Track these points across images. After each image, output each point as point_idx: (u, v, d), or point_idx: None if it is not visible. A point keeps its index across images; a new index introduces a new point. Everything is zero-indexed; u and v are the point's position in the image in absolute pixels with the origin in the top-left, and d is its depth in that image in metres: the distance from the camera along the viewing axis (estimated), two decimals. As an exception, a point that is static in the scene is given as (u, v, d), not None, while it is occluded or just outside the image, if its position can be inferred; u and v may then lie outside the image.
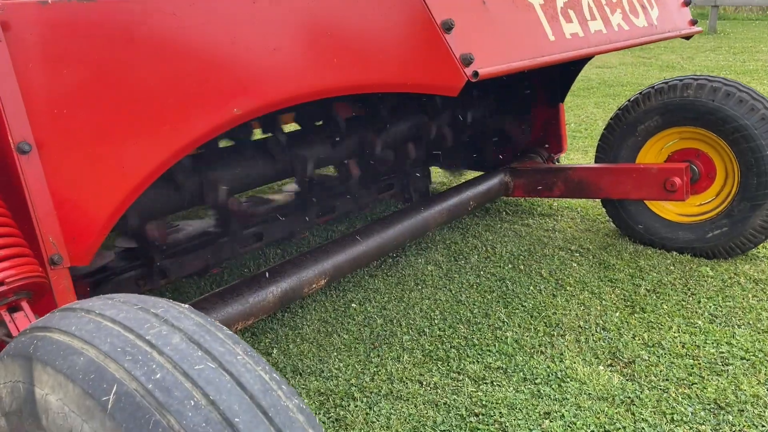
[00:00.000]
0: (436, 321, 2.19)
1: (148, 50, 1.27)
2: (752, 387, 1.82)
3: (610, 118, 2.79)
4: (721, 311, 2.22)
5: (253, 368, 0.74)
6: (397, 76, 1.20)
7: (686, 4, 2.30)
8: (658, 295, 2.33)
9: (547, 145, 3.15)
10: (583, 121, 4.84)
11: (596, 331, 2.11)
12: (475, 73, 1.18)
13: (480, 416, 1.71)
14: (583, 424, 1.67)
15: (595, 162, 2.85)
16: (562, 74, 2.95)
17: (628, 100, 2.72)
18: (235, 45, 1.24)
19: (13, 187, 1.33)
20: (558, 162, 3.21)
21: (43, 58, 1.30)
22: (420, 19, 1.16)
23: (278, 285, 1.96)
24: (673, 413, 1.72)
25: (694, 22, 2.28)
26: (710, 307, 2.25)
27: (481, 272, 2.54)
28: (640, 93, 2.67)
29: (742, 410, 1.73)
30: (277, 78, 1.22)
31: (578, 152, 4.07)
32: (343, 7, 1.20)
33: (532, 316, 2.21)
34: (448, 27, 1.17)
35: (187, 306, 0.84)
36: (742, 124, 2.42)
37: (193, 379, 0.70)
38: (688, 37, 2.31)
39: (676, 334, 2.08)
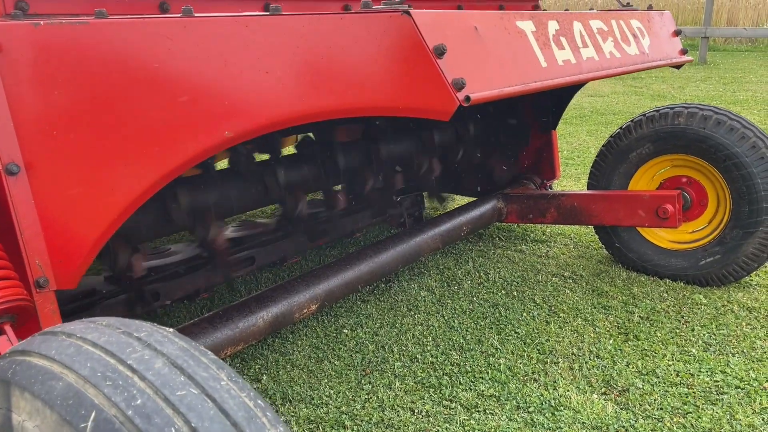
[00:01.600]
0: (428, 347, 2.16)
1: (139, 73, 1.27)
2: (747, 417, 1.80)
3: (602, 146, 2.80)
4: (715, 339, 2.20)
5: (238, 394, 0.72)
6: (389, 101, 1.20)
7: (677, 34, 2.32)
8: (651, 322, 2.32)
9: (540, 172, 3.16)
10: (576, 148, 4.86)
11: (590, 359, 2.09)
12: (467, 98, 1.19)
13: (472, 445, 1.68)
14: (576, 454, 1.64)
15: (588, 189, 2.85)
16: (554, 102, 2.97)
17: (620, 128, 2.73)
18: (227, 68, 1.24)
19: (2, 211, 1.32)
20: (551, 188, 3.22)
21: (34, 79, 1.29)
22: (412, 44, 1.16)
23: (269, 310, 1.93)
24: (668, 443, 1.69)
25: (684, 52, 2.30)
26: (704, 335, 2.23)
27: (474, 298, 2.52)
28: (632, 121, 2.69)
29: (738, 440, 1.71)
30: (269, 101, 1.22)
31: (571, 179, 4.08)
32: (336, 32, 1.20)
33: (525, 343, 2.18)
34: (440, 52, 1.17)
35: (171, 330, 0.82)
36: (732, 152, 2.43)
37: (175, 405, 0.68)
38: (678, 66, 2.34)
39: (670, 363, 2.06)
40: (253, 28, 1.20)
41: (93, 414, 0.67)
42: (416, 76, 1.18)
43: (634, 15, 2.05)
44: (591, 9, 2.69)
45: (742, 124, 2.46)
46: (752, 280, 2.64)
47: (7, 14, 1.33)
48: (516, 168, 3.17)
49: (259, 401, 0.74)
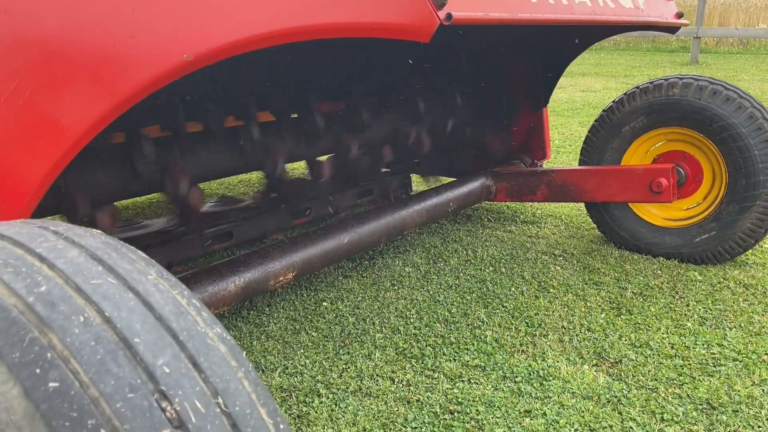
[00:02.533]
0: (411, 320, 2.06)
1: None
2: (746, 388, 1.70)
3: (595, 120, 2.71)
4: (711, 314, 2.11)
5: (167, 290, 0.61)
6: (364, 16, 1.10)
7: (671, -2, 2.24)
8: (645, 297, 2.22)
9: (530, 152, 3.07)
10: (567, 138, 4.78)
11: (580, 332, 1.98)
12: (449, 16, 1.09)
13: (455, 413, 1.57)
14: (566, 423, 1.54)
15: (580, 163, 2.76)
16: (544, 76, 2.88)
17: (613, 101, 2.64)
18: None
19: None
20: (541, 167, 3.12)
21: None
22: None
23: (241, 275, 1.82)
24: (663, 413, 1.59)
25: (680, 15, 2.21)
26: (700, 310, 2.13)
27: (461, 274, 2.41)
28: (625, 93, 2.61)
29: (737, 411, 1.61)
30: (231, 17, 1.11)
31: (562, 165, 3.99)
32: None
33: (513, 317, 2.08)
34: (418, -35, 1.07)
35: (100, 231, 0.71)
36: (729, 123, 2.35)
37: (87, 293, 0.57)
38: (673, 31, 2.25)
39: (664, 336, 1.96)
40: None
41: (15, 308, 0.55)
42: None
43: (628, -30, 1.96)
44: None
45: (739, 94, 2.37)
46: (748, 259, 2.55)
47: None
48: (506, 147, 3.07)
49: (194, 301, 0.63)
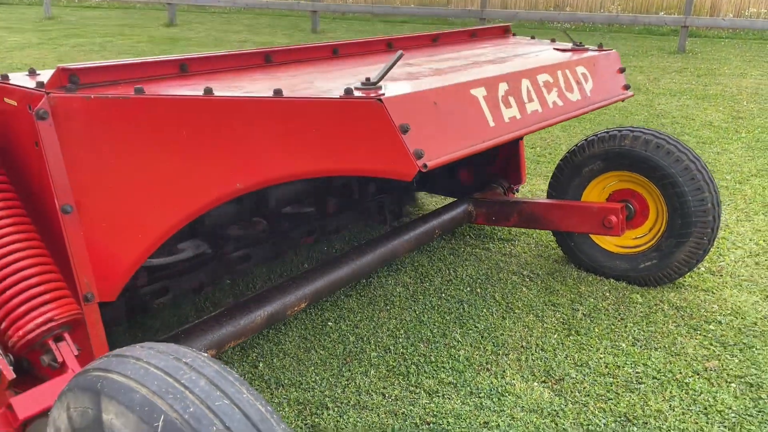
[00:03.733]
0: (400, 340, 2.55)
1: (168, 137, 1.61)
2: (658, 403, 2.20)
3: (560, 160, 3.16)
4: (643, 335, 2.60)
5: (254, 403, 1.09)
6: (364, 165, 1.54)
7: (621, 71, 2.67)
8: (592, 319, 2.72)
9: (507, 177, 3.52)
10: (549, 144, 5.22)
11: (535, 351, 2.48)
12: (425, 165, 1.53)
13: (431, 424, 2.08)
14: (514, 433, 2.04)
15: (548, 197, 3.22)
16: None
17: (576, 146, 3.09)
18: (237, 137, 1.58)
19: (56, 241, 1.67)
20: (518, 192, 3.58)
21: (84, 139, 1.63)
22: (383, 124, 1.50)
23: (264, 309, 2.30)
24: (589, 424, 2.10)
25: (627, 87, 2.64)
26: (635, 331, 2.63)
27: (443, 294, 2.90)
28: (586, 140, 3.05)
29: (646, 423, 2.11)
30: (270, 163, 1.56)
31: (540, 177, 4.44)
32: (323, 112, 1.54)
33: (482, 337, 2.57)
34: (404, 130, 1.51)
35: (206, 355, 1.19)
36: (668, 173, 2.80)
37: (215, 411, 1.04)
38: (623, 100, 2.68)
39: (602, 356, 2.46)
40: (260, 108, 1.54)
41: (162, 417, 1.03)
42: (386, 148, 1.53)
43: (580, 61, 2.39)
44: (553, 39, 3.03)
45: (678, 148, 2.82)
46: (684, 281, 3.04)
47: (62, 86, 1.65)
48: (486, 174, 3.52)
49: (268, 407, 1.11)
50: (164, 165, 1.63)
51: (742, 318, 2.75)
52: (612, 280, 3.03)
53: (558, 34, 11.37)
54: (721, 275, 3.12)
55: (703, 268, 3.17)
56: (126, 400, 1.07)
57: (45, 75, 1.83)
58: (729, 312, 2.79)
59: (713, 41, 11.36)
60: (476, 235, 3.57)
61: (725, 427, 2.11)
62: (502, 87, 1.92)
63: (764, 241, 3.51)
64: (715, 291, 2.97)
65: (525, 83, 2.02)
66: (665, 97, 6.94)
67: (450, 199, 3.67)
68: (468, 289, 2.96)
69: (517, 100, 1.95)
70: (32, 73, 1.89)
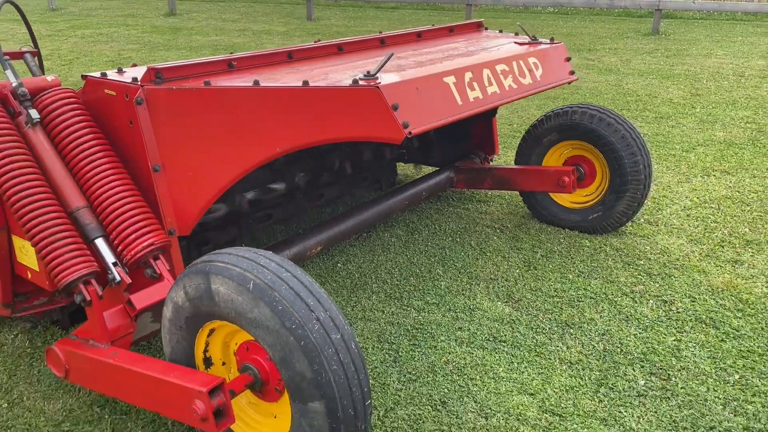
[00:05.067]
0: (395, 275, 3.24)
1: (226, 116, 2.27)
2: (591, 314, 2.90)
3: (525, 133, 3.84)
4: (587, 269, 3.30)
5: (303, 276, 1.78)
6: (367, 133, 2.20)
7: (568, 59, 3.33)
8: (547, 258, 3.41)
9: (483, 149, 4.19)
10: (525, 122, 5.89)
11: (500, 281, 3.17)
12: (410, 132, 2.20)
13: (419, 329, 2.77)
14: (481, 333, 2.74)
15: (515, 164, 3.90)
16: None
17: (536, 120, 3.76)
18: (276, 114, 2.24)
19: (149, 192, 2.34)
20: (492, 162, 4.26)
21: (167, 118, 2.30)
22: (380, 104, 2.16)
23: (291, 250, 2.98)
24: (537, 328, 2.79)
25: (572, 73, 3.31)
26: (580, 266, 3.33)
27: (429, 243, 3.59)
28: (544, 116, 3.72)
29: (581, 327, 2.81)
30: (297, 134, 2.23)
31: (514, 150, 5.10)
32: (336, 97, 2.20)
33: (459, 272, 3.26)
34: (395, 108, 2.17)
35: (270, 252, 1.87)
36: (609, 141, 3.48)
37: (282, 279, 1.73)
38: (570, 82, 3.34)
39: (552, 283, 3.16)
40: (294, 94, 2.21)
41: (251, 282, 1.72)
42: (382, 120, 2.19)
43: (532, 53, 3.05)
44: (517, 33, 3.62)
45: (617, 120, 3.49)
46: (626, 230, 3.73)
47: (151, 80, 2.31)
48: (467, 144, 4.20)
49: (311, 279, 1.79)
50: (224, 136, 2.30)
51: (667, 256, 3.45)
52: (567, 230, 3.72)
53: (544, 16, 11.97)
54: (657, 225, 3.82)
55: (642, 220, 3.87)
56: (228, 274, 1.75)
57: (131, 72, 2.49)
58: (658, 252, 3.49)
59: (688, 22, 11.99)
60: (458, 198, 4.25)
61: (640, 328, 2.81)
62: (468, 75, 2.58)
63: (698, 198, 4.20)
64: (650, 237, 3.67)
65: (486, 72, 2.69)
66: (633, 77, 7.61)
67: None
68: (449, 239, 3.65)
69: (480, 85, 2.62)
70: (120, 71, 2.54)
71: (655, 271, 3.29)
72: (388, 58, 2.25)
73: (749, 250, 3.51)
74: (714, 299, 3.03)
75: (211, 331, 1.93)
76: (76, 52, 9.39)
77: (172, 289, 1.92)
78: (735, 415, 2.29)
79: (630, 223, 3.78)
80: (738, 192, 4.29)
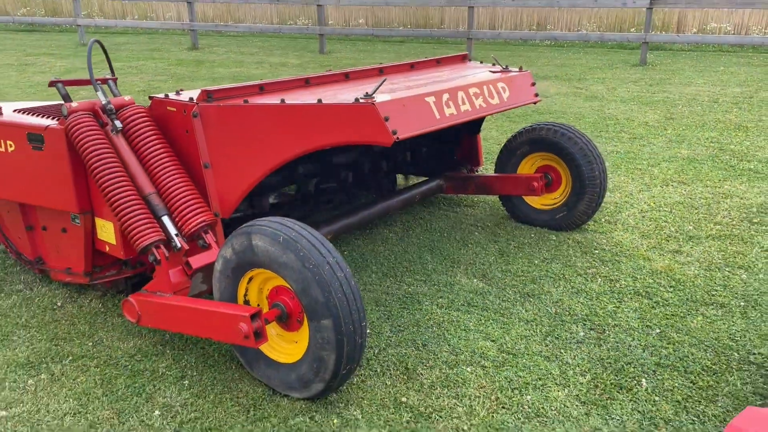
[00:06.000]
0: (391, 260, 3.94)
1: (259, 125, 3.01)
2: (549, 288, 3.58)
3: (502, 146, 4.57)
4: (551, 256, 3.99)
5: (319, 236, 2.50)
6: (365, 138, 2.94)
7: (533, 84, 4.06)
8: (519, 248, 4.11)
9: (469, 162, 4.92)
10: (512, 142, 6.61)
11: (477, 265, 3.87)
12: (398, 138, 2.93)
13: (408, 297, 3.47)
14: (458, 301, 3.43)
15: (495, 172, 4.62)
16: (475, 121, 4.72)
17: (512, 135, 4.49)
18: (295, 126, 2.99)
19: (200, 183, 3.08)
20: (477, 172, 4.98)
21: (215, 126, 3.05)
22: (376, 118, 2.89)
23: (306, 237, 3.69)
24: (503, 297, 3.48)
25: (536, 95, 4.04)
26: (545, 254, 4.02)
27: (421, 237, 4.30)
28: (518, 132, 4.45)
29: (540, 297, 3.50)
30: (305, 140, 2.96)
31: (501, 165, 5.82)
32: (340, 112, 2.94)
33: (445, 258, 3.96)
34: (387, 119, 2.90)
35: (294, 220, 2.59)
36: (570, 152, 4.20)
37: (304, 236, 2.45)
38: (535, 103, 4.07)
39: (520, 266, 3.85)
40: (312, 109, 2.95)
41: (282, 236, 2.45)
42: (377, 128, 2.92)
43: (502, 78, 3.79)
44: (493, 64, 4.40)
45: (576, 135, 4.22)
46: (588, 227, 4.42)
47: (204, 99, 3.07)
48: (454, 158, 4.93)
49: (324, 239, 2.51)
50: (256, 142, 3.04)
51: (620, 247, 4.13)
52: (537, 227, 4.42)
53: (541, 48, 12.76)
54: (615, 224, 4.51)
55: (603, 220, 4.56)
56: (265, 232, 2.48)
57: (187, 94, 3.26)
58: (612, 244, 4.18)
59: (676, 54, 12.77)
60: (447, 203, 4.97)
61: (587, 299, 3.48)
62: (445, 96, 3.32)
63: (654, 203, 4.90)
64: (607, 233, 4.36)
65: (460, 93, 3.43)
66: (616, 103, 8.35)
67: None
68: (438, 234, 4.36)
69: (455, 104, 3.36)
70: (178, 92, 3.30)
71: (607, 258, 3.98)
72: (382, 83, 3.00)
73: (690, 243, 4.19)
74: (652, 279, 3.71)
75: (250, 279, 2.65)
76: (109, 82, 10.27)
77: (222, 248, 2.65)
78: (651, 356, 2.95)
79: (592, 223, 4.48)
80: (690, 198, 4.98)
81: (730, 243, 4.17)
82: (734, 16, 14.20)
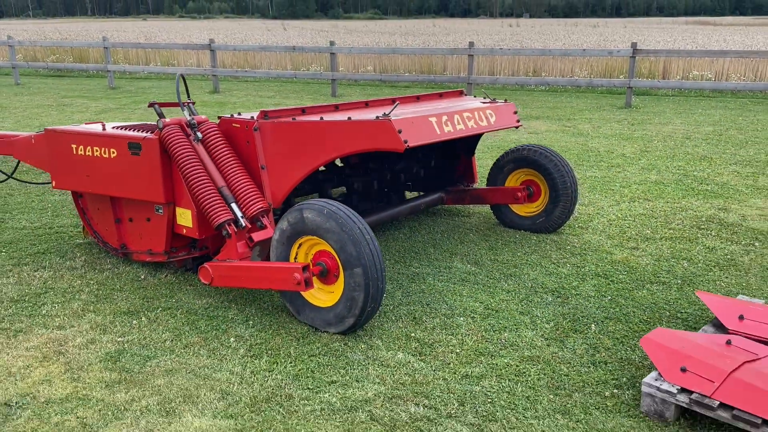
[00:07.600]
0: (400, 252, 4.87)
1: (304, 136, 3.99)
2: (527, 271, 4.50)
3: (492, 164, 5.55)
4: (529, 250, 4.91)
5: (354, 212, 3.45)
6: (381, 146, 3.92)
7: (515, 113, 5.06)
8: (506, 245, 5.04)
9: (466, 179, 5.90)
10: (505, 168, 7.59)
11: (470, 255, 4.80)
12: (408, 146, 3.91)
13: (415, 276, 4.39)
14: (455, 278, 4.35)
15: (486, 185, 5.60)
16: (470, 145, 5.73)
17: (500, 155, 5.48)
18: (330, 137, 3.97)
19: (258, 182, 4.07)
20: (472, 187, 5.95)
21: (271, 137, 4.05)
22: (391, 130, 3.89)
23: (333, 230, 4.65)
24: (490, 277, 4.40)
25: (518, 121, 5.03)
26: (526, 249, 4.95)
27: (425, 237, 5.24)
28: (504, 152, 5.44)
29: (519, 276, 4.41)
30: (345, 145, 3.95)
31: (494, 186, 6.80)
32: (363, 126, 3.93)
33: (444, 251, 4.90)
34: (400, 131, 3.89)
35: (334, 201, 3.55)
36: (547, 168, 5.17)
37: (343, 211, 3.40)
38: (517, 127, 5.06)
39: (505, 256, 4.77)
40: (343, 124, 3.94)
41: (325, 209, 3.41)
42: (391, 138, 3.91)
43: (490, 107, 4.79)
44: (484, 97, 5.47)
45: (551, 154, 5.20)
46: (564, 231, 5.36)
47: (262, 118, 4.07)
48: (453, 176, 5.90)
49: (358, 216, 3.47)
50: (301, 149, 4.02)
51: (588, 245, 5.06)
52: (522, 231, 5.36)
53: (536, 93, 13.83)
54: (587, 229, 5.45)
55: (577, 226, 5.50)
56: (314, 208, 3.43)
57: (247, 114, 4.26)
58: (583, 243, 5.11)
59: (660, 98, 13.89)
60: (447, 213, 5.92)
61: (557, 278, 4.40)
62: (444, 117, 4.32)
63: (621, 215, 5.84)
64: (579, 235, 5.29)
65: (456, 116, 4.43)
66: (599, 138, 9.38)
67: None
68: (439, 234, 5.30)
69: (451, 123, 4.35)
70: (239, 114, 4.31)
71: (576, 252, 4.90)
72: (395, 107, 4.00)
73: (646, 242, 5.12)
74: (611, 266, 4.63)
75: (299, 245, 3.59)
76: (141, 120, 11.37)
77: (279, 221, 3.60)
78: (601, 313, 3.86)
79: (567, 228, 5.42)
80: (651, 211, 5.93)
81: (679, 242, 5.10)
82: (715, 64, 15.39)
